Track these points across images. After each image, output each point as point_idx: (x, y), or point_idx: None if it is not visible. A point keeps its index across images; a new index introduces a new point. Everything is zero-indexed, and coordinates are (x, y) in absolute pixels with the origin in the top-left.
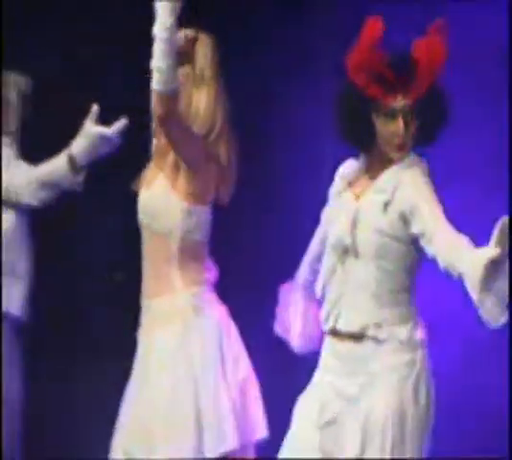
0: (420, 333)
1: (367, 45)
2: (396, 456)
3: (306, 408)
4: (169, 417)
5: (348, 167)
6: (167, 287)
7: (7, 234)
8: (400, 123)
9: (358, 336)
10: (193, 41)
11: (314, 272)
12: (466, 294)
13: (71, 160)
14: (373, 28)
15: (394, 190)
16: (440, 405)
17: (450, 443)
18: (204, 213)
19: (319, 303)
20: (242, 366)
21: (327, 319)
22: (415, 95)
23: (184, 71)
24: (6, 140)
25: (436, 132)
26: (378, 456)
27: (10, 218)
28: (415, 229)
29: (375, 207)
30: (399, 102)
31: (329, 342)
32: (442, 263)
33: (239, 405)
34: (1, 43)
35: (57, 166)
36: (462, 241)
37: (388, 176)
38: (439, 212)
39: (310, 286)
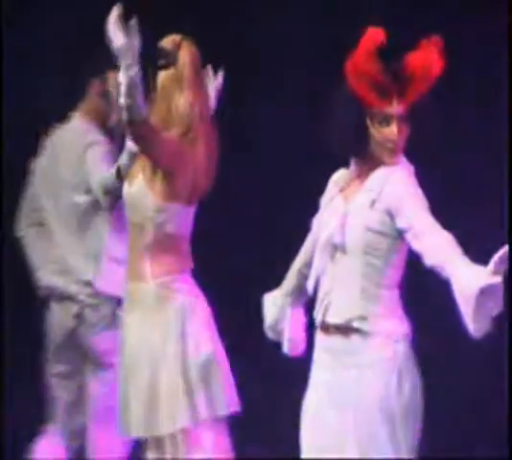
0: (404, 328)
1: (366, 53)
2: (388, 448)
3: (304, 417)
4: (130, 394)
5: (340, 175)
6: (139, 275)
7: (103, 225)
8: (394, 128)
9: (344, 329)
10: (178, 46)
11: (304, 278)
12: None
13: (118, 172)
14: (373, 36)
15: (382, 187)
16: (441, 406)
17: (450, 443)
18: (178, 209)
19: (305, 309)
20: (203, 349)
21: (317, 313)
22: (410, 102)
23: (169, 73)
24: (101, 138)
25: (428, 138)
26: (370, 448)
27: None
28: (401, 224)
29: (363, 205)
30: (394, 108)
31: (319, 337)
32: (429, 260)
33: (199, 385)
34: (1, 43)
35: (111, 175)
36: (450, 243)
37: (377, 176)
38: (425, 208)
39: (297, 291)
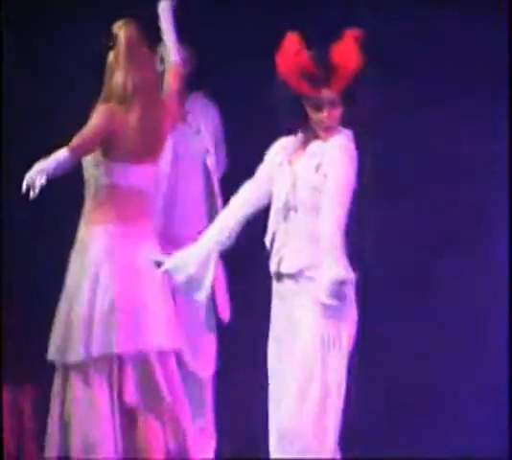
0: (349, 272)
1: (290, 54)
2: (322, 373)
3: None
4: (55, 318)
5: (287, 141)
6: (82, 222)
7: None
8: (325, 112)
9: (296, 277)
10: (119, 29)
11: (238, 223)
12: None
13: None
14: (291, 41)
15: (323, 154)
16: (441, 406)
17: (450, 442)
18: (117, 166)
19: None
20: (110, 294)
21: (272, 264)
22: (337, 89)
23: (113, 53)
24: None
25: (363, 116)
26: (307, 369)
27: None
28: (324, 190)
29: (309, 169)
30: (323, 94)
31: (274, 287)
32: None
33: (99, 325)
34: (2, 44)
35: None
36: (332, 235)
37: (318, 144)
38: (343, 187)
39: (226, 239)
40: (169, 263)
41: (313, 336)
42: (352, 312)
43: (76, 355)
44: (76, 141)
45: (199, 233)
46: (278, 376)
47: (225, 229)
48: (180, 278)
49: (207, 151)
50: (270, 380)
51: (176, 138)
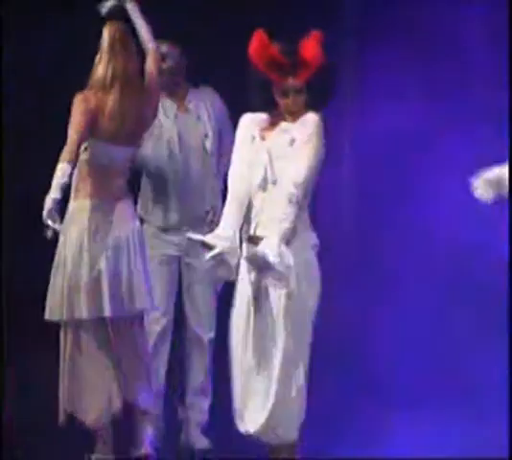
0: (315, 239)
1: (262, 48)
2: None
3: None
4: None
5: (257, 116)
6: (72, 196)
7: None
8: (290, 100)
9: None
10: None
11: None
12: None
13: None
14: (259, 38)
15: (294, 128)
16: (441, 405)
17: (450, 443)
18: (98, 146)
19: None
20: (96, 265)
21: (248, 229)
22: (301, 79)
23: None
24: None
25: (324, 101)
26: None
27: None
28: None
29: (283, 144)
30: (289, 82)
31: (245, 251)
32: (272, 210)
33: (84, 291)
34: (1, 41)
35: None
36: (287, 210)
37: (292, 121)
38: (308, 165)
39: (240, 225)
40: (221, 247)
41: (279, 294)
42: (316, 273)
43: (60, 314)
44: (66, 151)
45: (207, 212)
46: (245, 332)
47: (240, 209)
48: (234, 260)
49: (206, 136)
50: (238, 337)
51: (180, 125)
